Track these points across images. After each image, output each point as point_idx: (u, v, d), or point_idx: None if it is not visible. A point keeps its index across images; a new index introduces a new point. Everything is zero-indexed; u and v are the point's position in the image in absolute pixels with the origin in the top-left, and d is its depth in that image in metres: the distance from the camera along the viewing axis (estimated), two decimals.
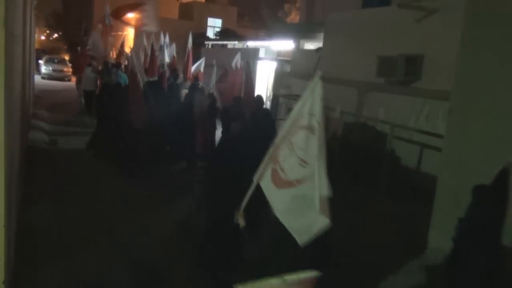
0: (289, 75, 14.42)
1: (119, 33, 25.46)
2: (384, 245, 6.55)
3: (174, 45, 15.35)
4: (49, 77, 26.88)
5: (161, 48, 14.54)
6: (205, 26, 33.31)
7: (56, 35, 57.64)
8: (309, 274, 1.69)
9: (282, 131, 3.98)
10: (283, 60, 15.86)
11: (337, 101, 11.04)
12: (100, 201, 7.20)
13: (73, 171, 8.77)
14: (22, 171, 7.01)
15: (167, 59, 14.37)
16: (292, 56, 14.93)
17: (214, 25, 33.68)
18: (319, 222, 3.50)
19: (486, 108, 5.68)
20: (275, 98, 14.76)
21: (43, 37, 58.32)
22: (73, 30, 48.51)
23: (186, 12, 34.16)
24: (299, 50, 14.74)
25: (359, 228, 7.17)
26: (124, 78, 12.11)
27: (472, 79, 6.11)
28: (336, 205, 8.25)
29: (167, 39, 14.45)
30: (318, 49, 12.93)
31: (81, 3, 44.84)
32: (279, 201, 3.93)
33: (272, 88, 15.91)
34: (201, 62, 13.60)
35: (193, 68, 13.37)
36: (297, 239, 3.57)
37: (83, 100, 15.26)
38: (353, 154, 9.78)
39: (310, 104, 3.66)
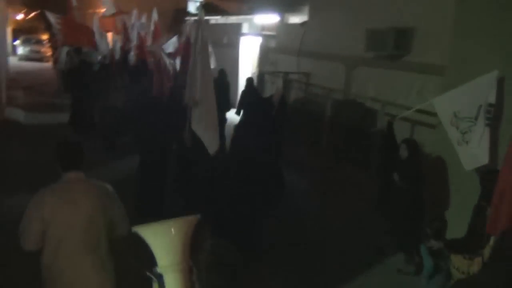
0: (274, 51, 13.94)
1: (91, 11, 24.46)
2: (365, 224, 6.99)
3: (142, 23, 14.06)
4: (26, 58, 26.06)
5: (133, 27, 13.37)
6: (185, 1, 32.34)
7: (33, 13, 55.91)
8: (192, 216, 1.80)
9: None
10: (267, 35, 15.26)
11: (324, 76, 10.72)
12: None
13: (45, 142, 9.27)
14: None
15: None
16: (277, 31, 14.38)
17: None
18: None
19: None
20: (260, 75, 14.29)
21: (19, 17, 56.51)
22: (51, 8, 47.01)
23: None
24: (283, 24, 14.21)
25: (342, 207, 7.51)
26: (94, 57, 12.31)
27: (467, 54, 5.86)
28: (321, 183, 8.35)
29: (143, 19, 13.54)
30: (303, 23, 12.43)
31: None
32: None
33: (257, 65, 15.41)
34: (175, 39, 12.47)
35: (165, 46, 12.29)
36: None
37: (60, 80, 14.85)
38: (341, 133, 9.48)
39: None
